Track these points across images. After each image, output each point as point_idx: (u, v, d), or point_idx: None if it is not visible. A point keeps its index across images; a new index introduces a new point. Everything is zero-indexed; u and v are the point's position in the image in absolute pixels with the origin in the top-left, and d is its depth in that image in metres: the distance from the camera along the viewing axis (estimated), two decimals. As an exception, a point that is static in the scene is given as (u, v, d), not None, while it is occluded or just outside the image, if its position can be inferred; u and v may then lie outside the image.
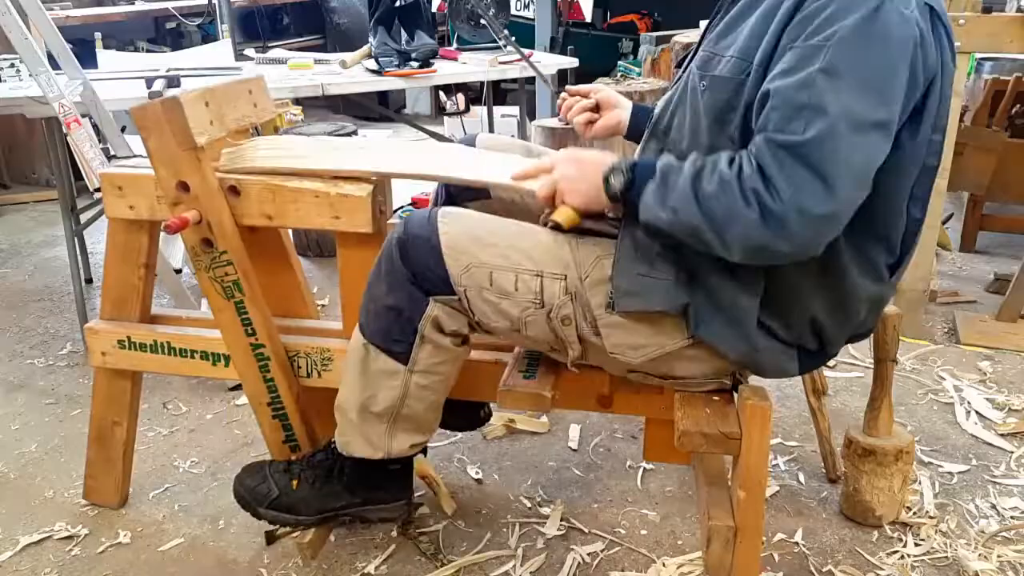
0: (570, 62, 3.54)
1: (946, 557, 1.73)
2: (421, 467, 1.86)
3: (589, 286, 1.35)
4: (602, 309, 1.34)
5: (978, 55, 4.15)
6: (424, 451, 1.71)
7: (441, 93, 6.29)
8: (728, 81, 1.23)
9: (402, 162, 1.58)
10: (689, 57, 1.40)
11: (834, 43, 1.10)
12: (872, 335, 1.77)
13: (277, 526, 1.80)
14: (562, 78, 4.41)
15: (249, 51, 3.70)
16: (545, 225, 1.41)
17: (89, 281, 3.23)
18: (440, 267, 1.35)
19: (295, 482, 1.58)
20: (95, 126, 2.55)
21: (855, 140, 1.09)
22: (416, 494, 1.90)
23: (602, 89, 1.70)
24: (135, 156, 1.91)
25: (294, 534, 1.65)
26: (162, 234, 1.72)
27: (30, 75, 2.35)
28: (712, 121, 1.25)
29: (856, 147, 1.10)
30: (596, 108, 1.68)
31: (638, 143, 1.49)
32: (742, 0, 1.29)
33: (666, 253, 1.30)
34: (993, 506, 1.88)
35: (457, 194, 1.66)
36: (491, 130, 4.03)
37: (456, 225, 1.38)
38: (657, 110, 1.42)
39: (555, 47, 5.19)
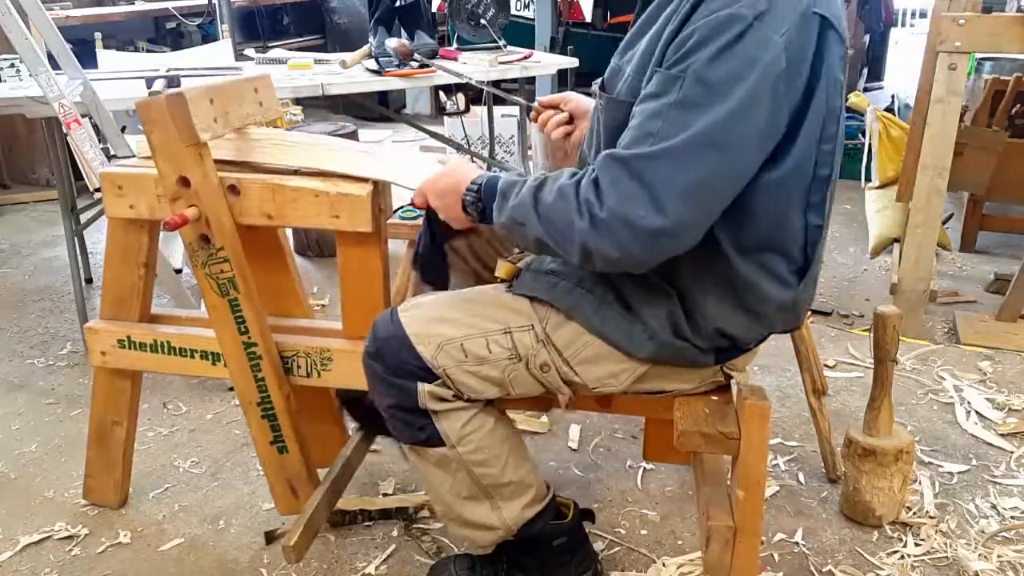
0: (570, 62, 3.54)
1: (946, 557, 1.73)
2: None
3: (552, 329, 1.36)
4: (571, 349, 1.36)
5: (978, 55, 4.15)
6: (591, 517, 1.67)
7: (441, 93, 6.29)
8: (622, 104, 1.25)
9: (322, 159, 1.60)
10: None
11: (688, 75, 1.12)
12: (872, 335, 1.77)
13: (278, 528, 1.80)
14: (562, 78, 4.41)
15: (249, 51, 3.70)
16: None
17: (89, 281, 3.23)
18: (415, 356, 1.36)
19: None
20: (95, 126, 2.54)
21: (691, 159, 1.11)
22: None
23: (571, 98, 1.68)
24: (135, 156, 1.91)
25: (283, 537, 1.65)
26: (162, 234, 1.73)
27: (30, 75, 2.35)
28: (609, 139, 1.27)
29: (690, 167, 1.11)
30: (571, 119, 1.67)
31: None
32: (649, 8, 1.30)
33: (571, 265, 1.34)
34: (993, 506, 1.88)
35: (440, 235, 1.62)
36: (491, 129, 4.03)
37: (417, 312, 1.40)
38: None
39: (555, 47, 5.18)
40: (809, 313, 2.81)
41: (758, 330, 1.35)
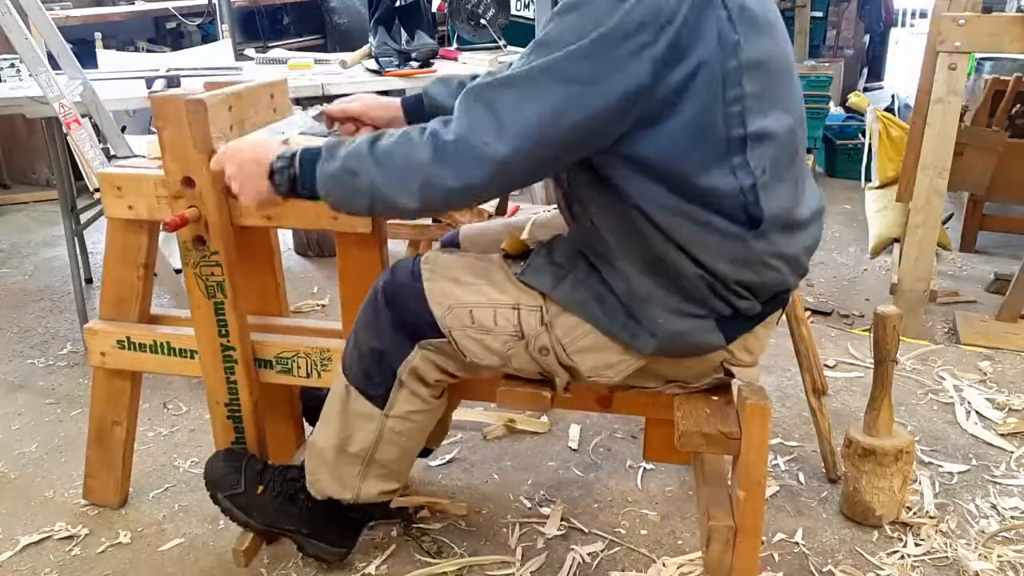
0: (570, 62, 3.54)
1: (946, 557, 1.72)
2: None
3: (554, 315, 1.37)
4: (569, 336, 1.37)
5: (978, 55, 4.15)
6: (388, 514, 1.75)
7: (441, 93, 6.28)
8: None
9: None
10: None
11: (550, 21, 1.18)
12: (872, 335, 1.77)
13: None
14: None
15: (249, 51, 3.70)
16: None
17: (89, 281, 3.23)
18: (426, 311, 1.39)
19: (262, 488, 1.60)
20: (95, 126, 2.54)
21: (540, 90, 1.15)
22: (419, 512, 1.91)
23: (352, 102, 1.65)
24: (135, 156, 1.91)
25: (247, 538, 1.67)
26: (162, 234, 1.73)
27: (30, 75, 2.35)
28: None
29: (539, 96, 1.15)
30: (358, 125, 1.65)
31: (419, 117, 1.56)
32: None
33: (579, 256, 1.36)
34: (993, 506, 1.88)
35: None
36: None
37: (437, 269, 1.43)
38: None
39: (555, 47, 5.19)
40: (809, 313, 2.81)
41: (743, 286, 1.30)
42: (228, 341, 1.62)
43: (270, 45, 4.43)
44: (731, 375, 1.42)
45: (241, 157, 1.36)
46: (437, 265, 1.44)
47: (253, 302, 1.79)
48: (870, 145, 3.68)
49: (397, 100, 1.67)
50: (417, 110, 1.62)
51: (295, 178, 1.31)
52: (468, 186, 1.19)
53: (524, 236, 1.56)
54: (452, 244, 1.73)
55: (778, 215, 1.27)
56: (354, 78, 3.01)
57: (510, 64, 1.30)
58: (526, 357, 1.40)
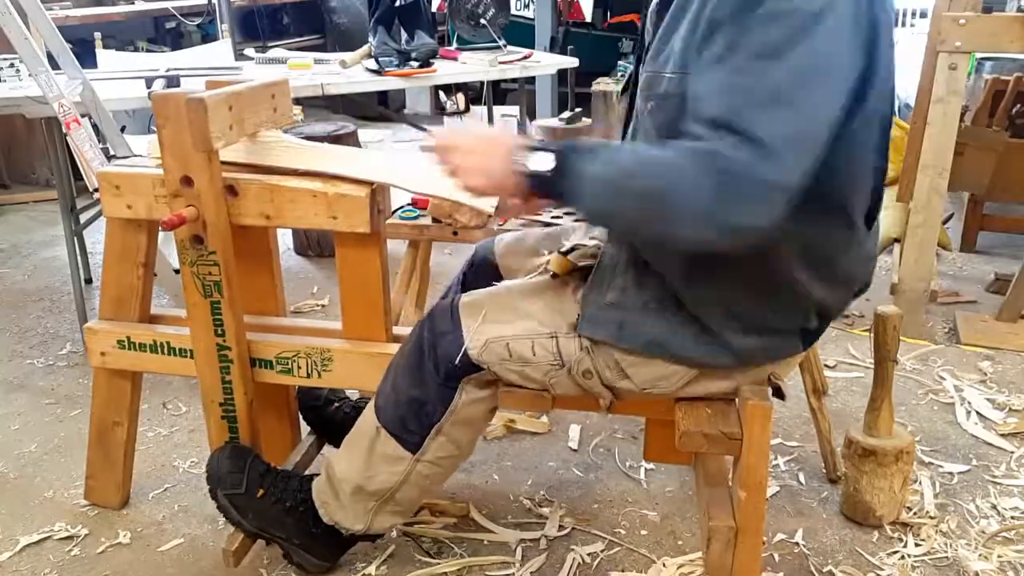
0: (570, 62, 3.54)
1: (946, 557, 1.72)
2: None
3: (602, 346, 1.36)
4: (623, 352, 1.34)
5: (978, 55, 4.15)
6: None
7: (441, 93, 6.29)
8: (672, 96, 1.16)
9: (323, 162, 1.60)
10: (632, 83, 1.38)
11: (756, 19, 1.04)
12: (873, 335, 1.77)
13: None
14: (562, 77, 4.41)
15: (249, 51, 3.70)
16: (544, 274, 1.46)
17: (89, 281, 3.23)
18: (464, 353, 1.39)
19: (262, 491, 1.60)
20: (95, 126, 2.54)
21: (797, 98, 1.04)
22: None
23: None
24: (134, 156, 1.90)
25: (237, 538, 1.66)
26: (161, 234, 1.73)
27: (30, 75, 2.35)
28: (667, 136, 1.17)
29: (799, 107, 1.04)
30: None
31: None
32: (670, 11, 1.20)
33: (630, 282, 1.31)
34: (993, 506, 1.88)
35: (473, 281, 1.70)
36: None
37: (474, 307, 1.42)
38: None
39: (555, 47, 5.18)
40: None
41: (837, 288, 1.30)
42: (224, 341, 1.61)
43: (270, 45, 4.43)
44: (780, 393, 1.38)
45: (480, 132, 1.23)
46: (473, 306, 1.43)
47: (250, 302, 1.79)
48: (870, 145, 3.67)
49: None
50: None
51: (555, 169, 1.14)
52: (758, 222, 1.05)
53: (570, 254, 1.47)
54: (484, 258, 1.73)
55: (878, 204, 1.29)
56: (354, 78, 3.01)
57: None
58: (569, 382, 1.39)
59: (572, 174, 1.12)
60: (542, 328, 1.38)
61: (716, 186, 1.02)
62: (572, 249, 1.46)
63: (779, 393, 1.37)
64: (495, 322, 1.40)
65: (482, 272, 1.71)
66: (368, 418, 1.52)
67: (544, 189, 1.17)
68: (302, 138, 1.79)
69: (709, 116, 1.05)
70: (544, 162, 1.14)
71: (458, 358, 1.39)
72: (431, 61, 3.14)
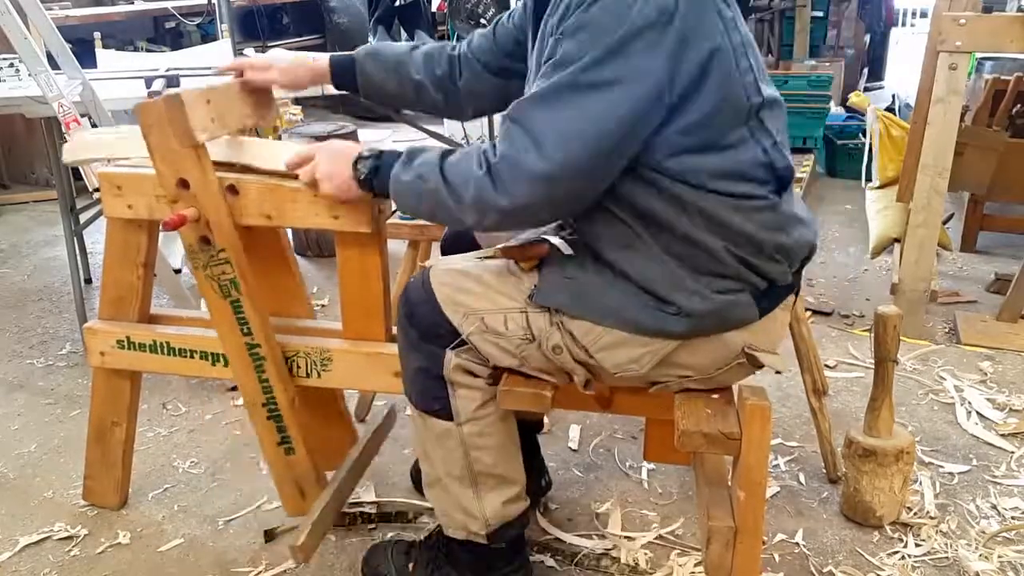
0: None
1: (947, 557, 1.72)
2: None
3: (569, 319, 1.37)
4: (589, 337, 1.36)
5: (979, 55, 4.15)
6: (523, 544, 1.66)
7: (441, 93, 6.27)
8: None
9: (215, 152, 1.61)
10: None
11: (564, 37, 1.22)
12: (873, 335, 1.77)
13: (278, 526, 1.80)
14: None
15: (248, 50, 3.69)
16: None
17: (88, 281, 3.23)
18: (444, 320, 1.41)
19: (412, 565, 1.60)
20: (94, 126, 2.54)
21: (569, 102, 1.20)
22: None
23: (263, 64, 1.67)
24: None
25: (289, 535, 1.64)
26: (161, 234, 1.72)
27: (29, 75, 2.35)
28: None
29: (569, 108, 1.20)
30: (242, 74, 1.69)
31: (347, 88, 1.70)
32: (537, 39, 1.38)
33: (588, 258, 1.37)
34: (994, 506, 1.88)
35: (451, 248, 1.74)
36: (491, 130, 4.03)
37: (445, 278, 1.45)
38: None
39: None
40: (809, 313, 2.81)
41: (767, 253, 1.33)
42: (252, 339, 1.61)
43: (269, 45, 4.44)
44: (756, 362, 1.39)
45: (332, 147, 1.47)
46: (446, 275, 1.45)
47: (274, 304, 1.77)
48: (870, 145, 3.68)
49: (317, 57, 1.70)
50: (347, 72, 1.69)
51: (376, 170, 1.39)
52: (516, 205, 1.24)
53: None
54: (454, 236, 1.73)
55: (791, 175, 1.35)
56: (354, 78, 3.01)
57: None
58: (541, 358, 1.41)
59: (388, 178, 1.37)
60: (512, 303, 1.40)
61: (483, 175, 1.25)
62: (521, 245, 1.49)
63: (754, 362, 1.38)
64: (467, 291, 1.42)
65: (460, 240, 1.72)
66: (411, 411, 1.53)
67: (372, 191, 1.42)
68: (305, 138, 1.79)
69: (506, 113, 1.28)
70: (373, 169, 1.40)
71: (440, 322, 1.41)
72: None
